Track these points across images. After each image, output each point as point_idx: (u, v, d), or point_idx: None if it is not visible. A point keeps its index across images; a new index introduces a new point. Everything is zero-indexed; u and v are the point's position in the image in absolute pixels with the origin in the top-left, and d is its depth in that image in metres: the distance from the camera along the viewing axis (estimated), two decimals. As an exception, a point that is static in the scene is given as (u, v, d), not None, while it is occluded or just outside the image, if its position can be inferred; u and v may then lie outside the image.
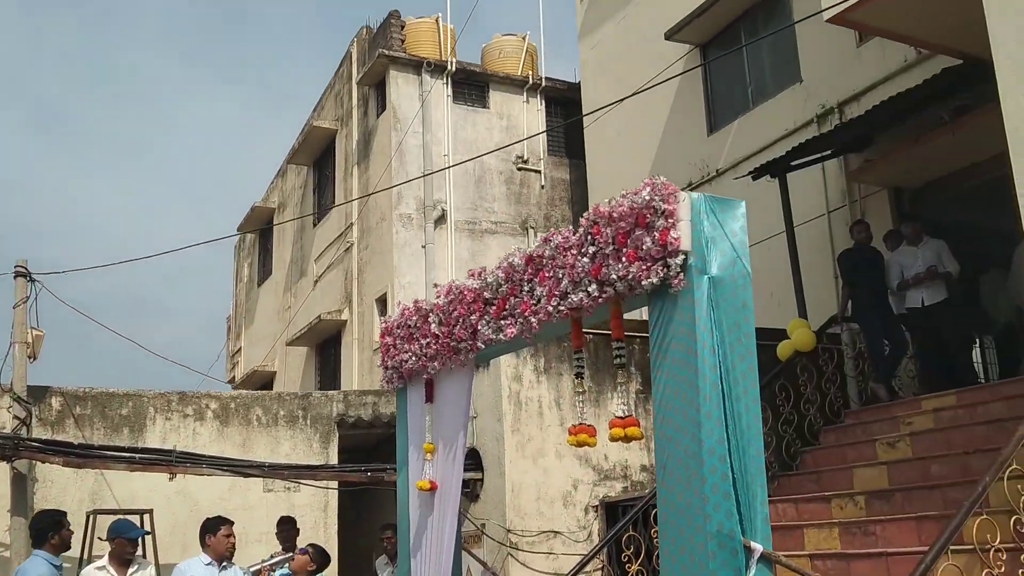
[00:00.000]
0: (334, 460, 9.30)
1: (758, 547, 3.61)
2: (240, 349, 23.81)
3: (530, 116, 16.47)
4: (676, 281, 3.88)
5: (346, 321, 15.96)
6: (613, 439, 4.08)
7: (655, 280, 3.93)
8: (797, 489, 7.46)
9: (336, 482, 8.81)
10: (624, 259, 4.07)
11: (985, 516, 4.94)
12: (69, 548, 6.41)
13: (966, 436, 6.67)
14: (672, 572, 3.75)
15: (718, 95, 12.44)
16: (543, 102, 16.70)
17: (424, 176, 14.31)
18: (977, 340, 9.55)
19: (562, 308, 4.51)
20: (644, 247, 3.97)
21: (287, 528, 8.10)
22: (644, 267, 3.97)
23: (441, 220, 15.03)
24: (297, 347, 17.92)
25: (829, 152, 9.67)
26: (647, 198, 3.99)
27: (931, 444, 6.86)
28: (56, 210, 59.17)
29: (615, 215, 4.15)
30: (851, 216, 9.95)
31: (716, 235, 4.00)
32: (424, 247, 14.70)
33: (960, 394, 7.41)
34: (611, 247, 4.17)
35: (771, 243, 10.22)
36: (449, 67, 15.80)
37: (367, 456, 9.44)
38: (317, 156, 18.53)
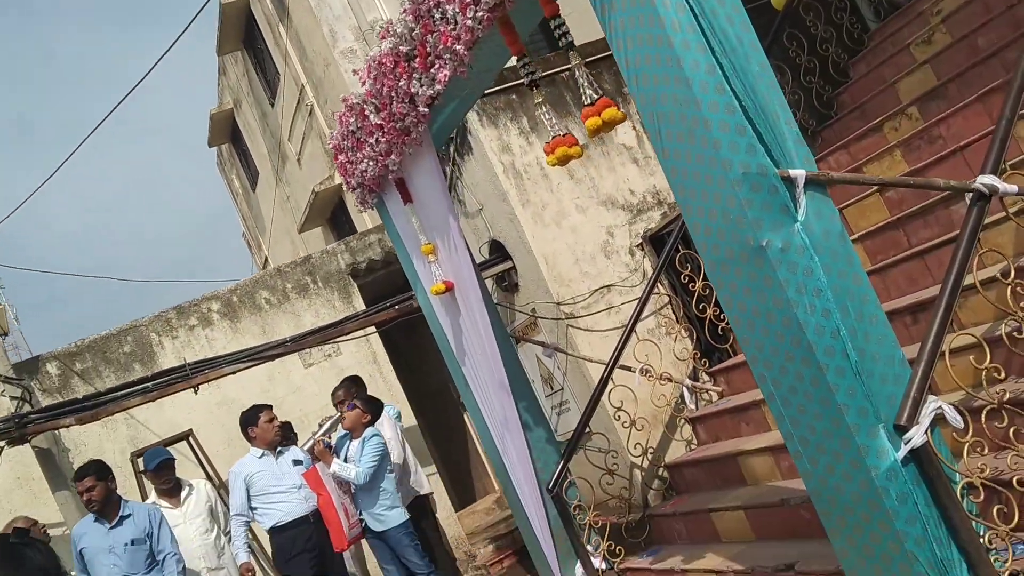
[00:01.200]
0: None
1: (799, 172, 2.85)
2: (267, 259, 23.34)
3: None
4: (583, -100, 2.97)
5: (341, 183, 15.12)
6: (592, 131, 3.29)
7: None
8: (843, 133, 6.62)
9: (373, 329, 8.23)
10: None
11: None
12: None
13: (1004, -8, 5.68)
14: (708, 244, 3.02)
15: None
16: None
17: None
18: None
19: (480, 14, 3.65)
20: None
21: (352, 388, 7.51)
22: (541, -95, 3.06)
23: (385, 39, 13.75)
24: (310, 230, 17.23)
25: None
26: None
27: (968, 18, 5.89)
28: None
29: None
30: None
31: None
32: (381, 74, 13.54)
33: (983, -46, 6.36)
34: (497, -96, 3.25)
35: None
36: None
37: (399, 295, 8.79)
38: (242, 35, 17.19)
